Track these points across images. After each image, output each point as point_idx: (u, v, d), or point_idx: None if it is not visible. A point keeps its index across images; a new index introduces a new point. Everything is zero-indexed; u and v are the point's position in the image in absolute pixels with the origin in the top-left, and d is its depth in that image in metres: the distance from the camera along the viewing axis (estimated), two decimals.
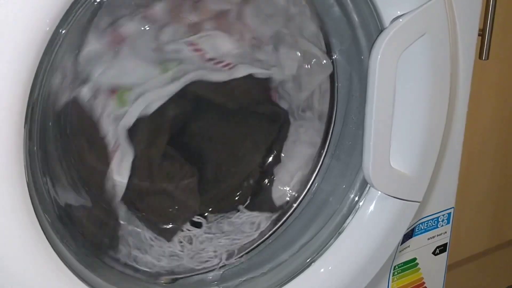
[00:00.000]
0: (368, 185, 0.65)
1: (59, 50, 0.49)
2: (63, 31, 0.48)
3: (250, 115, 0.67)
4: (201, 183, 0.66)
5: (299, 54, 0.67)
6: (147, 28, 0.58)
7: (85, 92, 0.56)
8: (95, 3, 0.52)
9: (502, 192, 1.01)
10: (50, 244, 0.50)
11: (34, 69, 0.45)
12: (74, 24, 0.49)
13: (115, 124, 0.58)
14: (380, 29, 0.59)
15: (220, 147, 0.67)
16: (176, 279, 0.65)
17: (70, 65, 0.55)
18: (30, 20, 0.44)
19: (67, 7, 0.46)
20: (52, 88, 0.53)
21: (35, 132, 0.50)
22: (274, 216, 0.70)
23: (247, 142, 0.68)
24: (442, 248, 0.82)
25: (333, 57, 0.67)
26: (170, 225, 0.65)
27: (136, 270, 0.63)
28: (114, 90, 0.58)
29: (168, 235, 0.64)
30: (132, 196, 0.61)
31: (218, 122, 0.66)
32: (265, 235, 0.70)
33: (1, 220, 0.46)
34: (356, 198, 0.66)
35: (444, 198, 0.79)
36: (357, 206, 0.66)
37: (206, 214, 0.69)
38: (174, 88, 0.59)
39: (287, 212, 0.71)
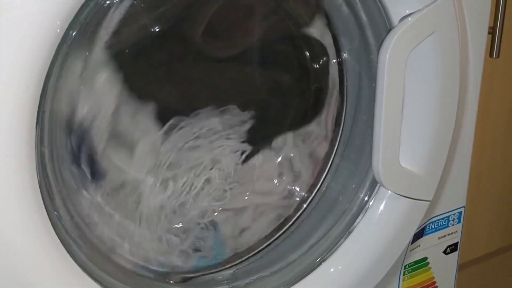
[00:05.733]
0: (378, 185, 0.65)
1: (69, 51, 0.49)
2: (74, 33, 0.48)
3: None
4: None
5: (308, 54, 0.67)
6: (157, 29, 0.59)
7: None
8: (105, 5, 0.53)
9: None
10: (62, 243, 0.50)
11: (45, 71, 0.46)
12: (84, 26, 0.50)
13: None
14: (389, 28, 0.59)
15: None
16: (187, 278, 0.65)
17: (80, 67, 0.55)
18: (40, 22, 0.44)
19: (77, 9, 0.46)
20: (63, 89, 0.54)
21: (47, 133, 0.51)
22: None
23: None
24: (453, 247, 0.81)
25: (342, 57, 0.67)
26: None
27: (148, 269, 0.63)
28: None
29: None
30: None
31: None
32: (275, 235, 0.70)
33: (13, 220, 0.47)
34: (366, 198, 0.66)
35: (455, 197, 0.78)
36: (367, 206, 0.66)
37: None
38: None
39: (297, 211, 0.71)
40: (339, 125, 0.70)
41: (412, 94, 0.61)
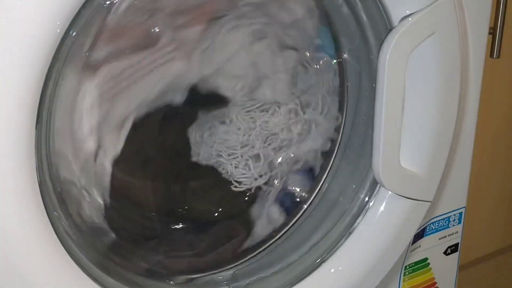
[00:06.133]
0: (378, 185, 0.65)
1: (69, 51, 0.49)
2: (74, 33, 0.48)
3: None
4: (210, 185, 0.66)
5: (308, 54, 0.67)
6: (157, 30, 0.59)
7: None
8: (105, 6, 0.53)
9: None
10: (62, 243, 0.50)
11: (45, 71, 0.46)
12: (84, 26, 0.50)
13: None
14: (389, 28, 0.59)
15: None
16: (188, 280, 0.65)
17: (81, 67, 0.55)
18: (40, 22, 0.44)
19: (78, 9, 0.46)
20: (63, 90, 0.54)
21: (46, 133, 0.51)
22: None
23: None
24: (453, 248, 0.81)
25: (343, 57, 0.67)
26: None
27: (149, 270, 0.63)
28: None
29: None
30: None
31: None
32: (275, 236, 0.70)
33: (13, 220, 0.47)
34: (366, 198, 0.66)
35: (455, 198, 0.78)
36: (367, 206, 0.66)
37: (216, 214, 0.69)
38: None
39: (298, 212, 0.71)
40: (340, 125, 0.70)
41: (413, 94, 0.61)
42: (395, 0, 0.58)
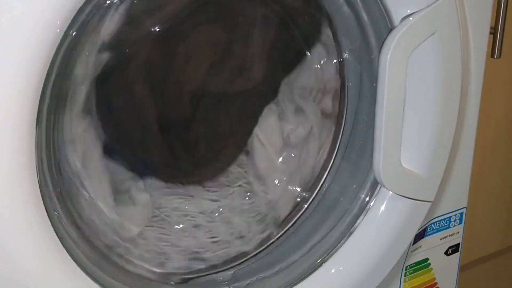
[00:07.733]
0: (379, 185, 0.65)
1: (69, 51, 0.49)
2: (74, 33, 0.48)
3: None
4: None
5: (308, 54, 0.67)
6: (157, 29, 0.58)
7: None
8: (105, 5, 0.53)
9: None
10: (62, 243, 0.50)
11: (44, 71, 0.46)
12: (84, 26, 0.50)
13: None
14: (390, 28, 0.59)
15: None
16: (187, 279, 0.65)
17: (81, 67, 0.55)
18: (40, 22, 0.44)
19: (78, 9, 0.46)
20: (63, 89, 0.54)
21: (46, 133, 0.51)
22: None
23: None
24: (454, 249, 0.81)
25: (343, 57, 0.67)
26: None
27: (147, 269, 0.63)
28: None
29: None
30: None
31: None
32: (276, 236, 0.70)
33: (13, 220, 0.47)
34: (367, 198, 0.66)
35: (456, 198, 0.78)
36: (368, 206, 0.66)
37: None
38: None
39: (298, 212, 0.71)
40: (340, 125, 0.70)
41: (414, 94, 0.61)
42: (396, 0, 0.58)
